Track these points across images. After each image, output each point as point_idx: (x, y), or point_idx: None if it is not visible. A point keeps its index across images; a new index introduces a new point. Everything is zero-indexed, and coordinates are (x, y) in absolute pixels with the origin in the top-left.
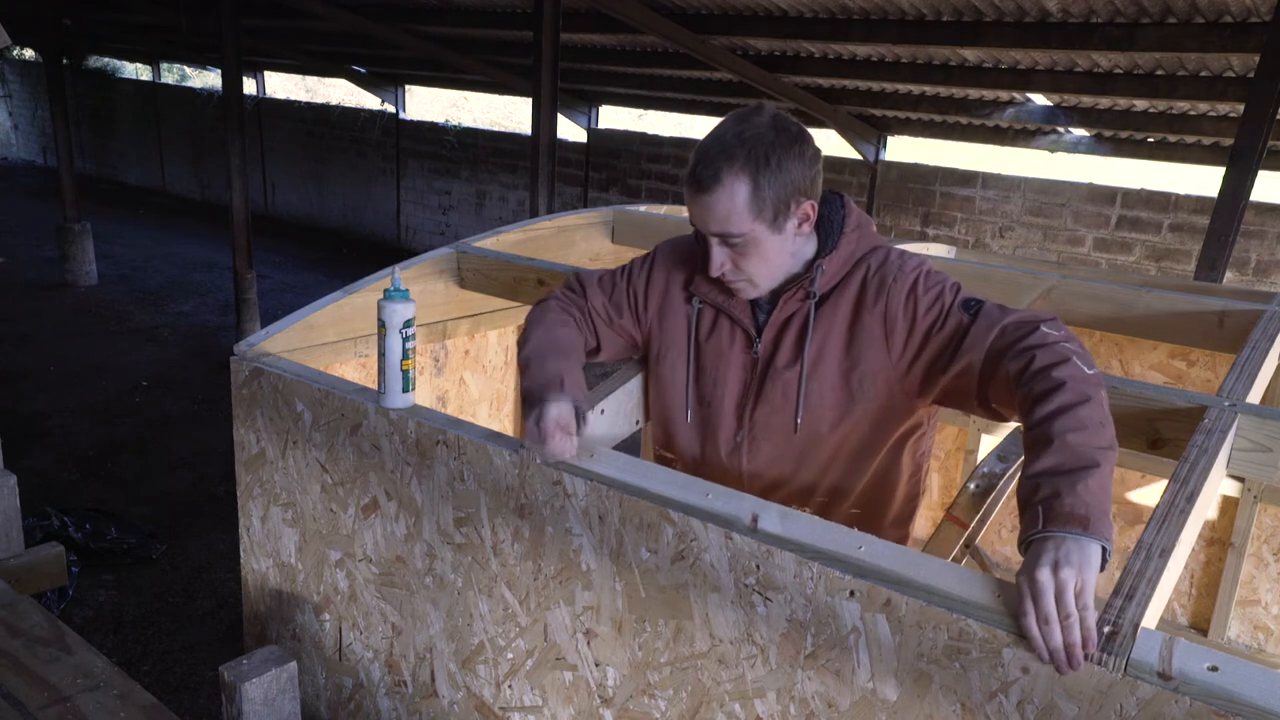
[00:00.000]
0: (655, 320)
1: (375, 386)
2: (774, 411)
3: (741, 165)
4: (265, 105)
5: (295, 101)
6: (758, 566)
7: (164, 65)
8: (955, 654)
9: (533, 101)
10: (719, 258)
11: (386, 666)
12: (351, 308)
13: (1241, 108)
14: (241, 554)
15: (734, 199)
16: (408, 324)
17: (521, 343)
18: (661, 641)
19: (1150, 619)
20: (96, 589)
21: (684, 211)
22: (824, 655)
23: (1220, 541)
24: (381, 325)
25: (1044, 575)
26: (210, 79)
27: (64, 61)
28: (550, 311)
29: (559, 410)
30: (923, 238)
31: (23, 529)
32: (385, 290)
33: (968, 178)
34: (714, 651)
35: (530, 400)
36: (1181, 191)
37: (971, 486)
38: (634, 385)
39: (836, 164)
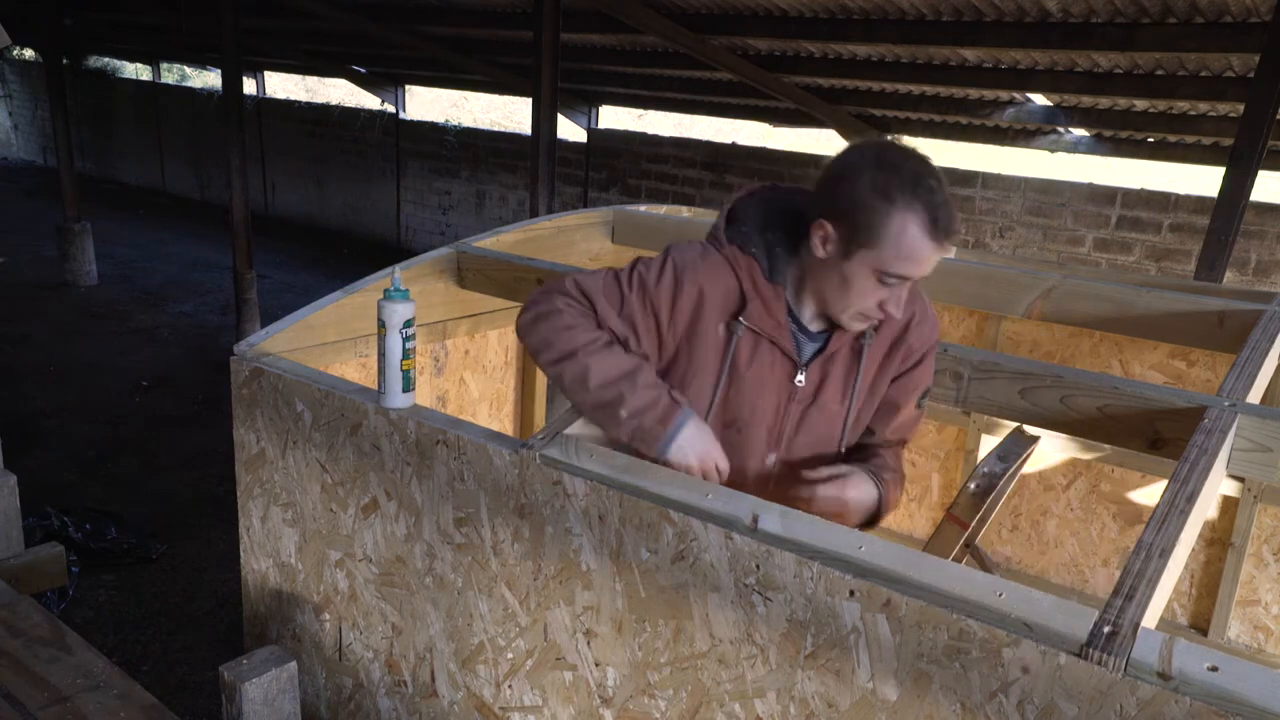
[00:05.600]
0: (683, 342)
1: (375, 386)
2: (817, 441)
3: None
4: (265, 105)
5: (295, 101)
6: (758, 566)
7: (164, 65)
8: (955, 654)
9: (533, 101)
10: (904, 297)
11: (386, 666)
12: (351, 308)
13: (1241, 108)
14: (241, 554)
15: None
16: (408, 324)
17: (565, 371)
18: (661, 641)
19: (1150, 619)
20: (96, 589)
21: (683, 211)
22: (824, 655)
23: (1220, 541)
24: (381, 325)
25: None
26: (210, 79)
27: (64, 61)
28: (579, 329)
29: (700, 433)
30: None
31: (23, 529)
32: (385, 290)
33: (968, 178)
34: (714, 651)
35: (652, 428)
36: (1181, 191)
37: (971, 486)
38: None
39: None
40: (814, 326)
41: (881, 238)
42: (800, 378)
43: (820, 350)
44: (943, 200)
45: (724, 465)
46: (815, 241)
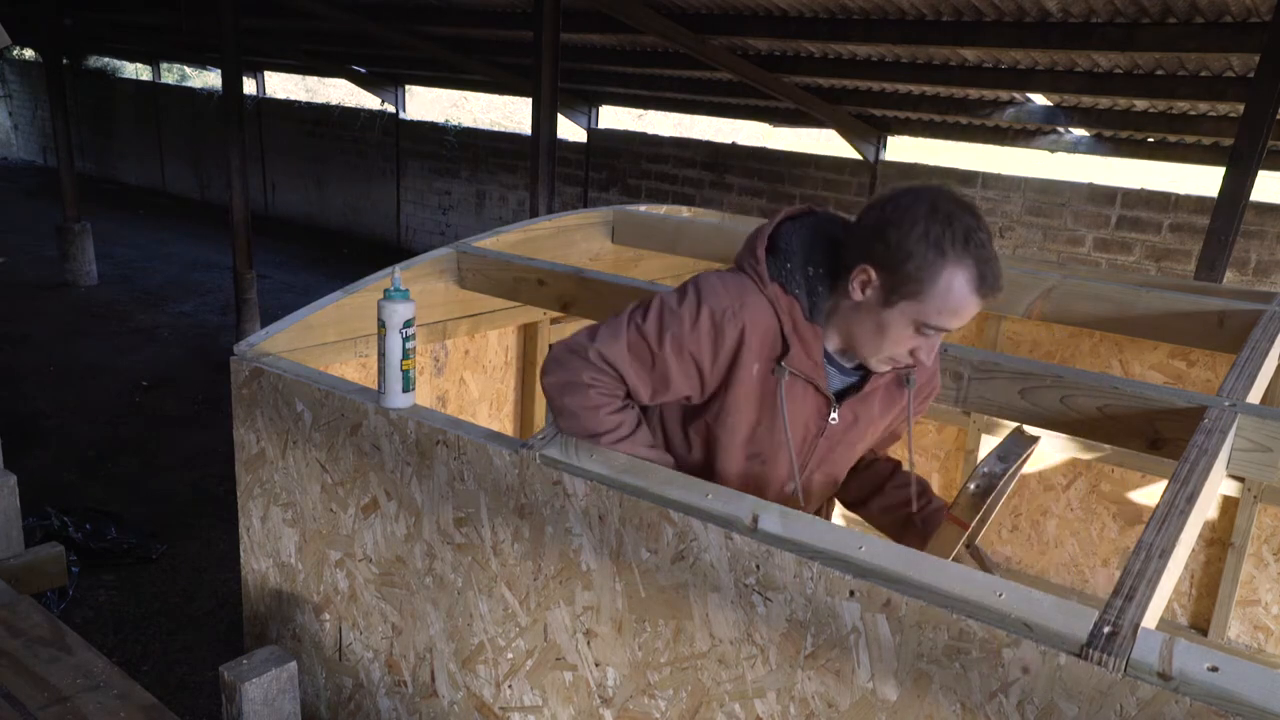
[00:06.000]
0: (720, 383)
1: (375, 386)
2: (834, 469)
3: None
4: (265, 105)
5: (295, 101)
6: (758, 566)
7: (164, 65)
8: (955, 654)
9: (533, 101)
10: (937, 345)
11: (386, 666)
12: (351, 308)
13: (1241, 108)
14: (241, 554)
15: None
16: (408, 324)
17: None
18: (661, 641)
19: (1150, 619)
20: (96, 589)
21: (683, 211)
22: (824, 655)
23: (1220, 541)
24: (381, 325)
25: None
26: (210, 79)
27: (64, 61)
28: (604, 409)
29: None
30: None
31: (23, 529)
32: (385, 290)
33: (968, 178)
34: (714, 651)
35: None
36: (1181, 191)
37: (971, 486)
38: None
39: (836, 164)
40: (845, 361)
41: (928, 291)
42: (834, 416)
43: (855, 388)
44: (991, 256)
45: None
46: (854, 285)
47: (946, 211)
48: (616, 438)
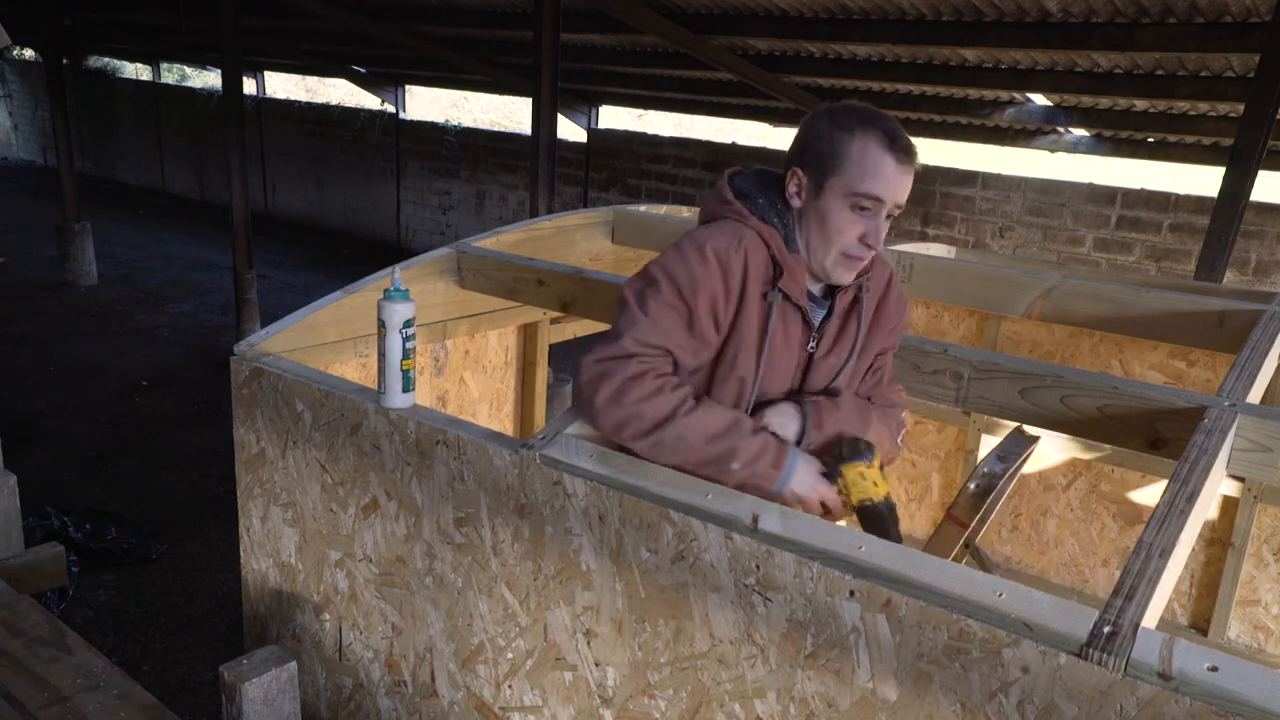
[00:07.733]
0: (729, 323)
1: (375, 386)
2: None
3: None
4: (265, 105)
5: (295, 101)
6: (758, 566)
7: (164, 65)
8: (955, 654)
9: (533, 101)
10: (884, 230)
11: (386, 666)
12: (351, 308)
13: (1241, 108)
14: (241, 554)
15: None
16: (408, 324)
17: (664, 437)
18: (661, 641)
19: (1150, 619)
20: (96, 589)
21: (684, 211)
22: (824, 655)
23: (1220, 541)
24: (381, 325)
25: None
26: (210, 79)
27: (64, 61)
28: (665, 391)
29: (809, 466)
30: (923, 238)
31: (23, 529)
32: (385, 290)
33: (968, 178)
34: (714, 651)
35: (765, 472)
36: (1181, 191)
37: (971, 486)
38: None
39: None
40: (815, 289)
41: (845, 163)
42: (813, 344)
43: (828, 315)
44: (896, 126)
45: (833, 497)
46: (791, 194)
47: (848, 107)
48: (689, 408)
